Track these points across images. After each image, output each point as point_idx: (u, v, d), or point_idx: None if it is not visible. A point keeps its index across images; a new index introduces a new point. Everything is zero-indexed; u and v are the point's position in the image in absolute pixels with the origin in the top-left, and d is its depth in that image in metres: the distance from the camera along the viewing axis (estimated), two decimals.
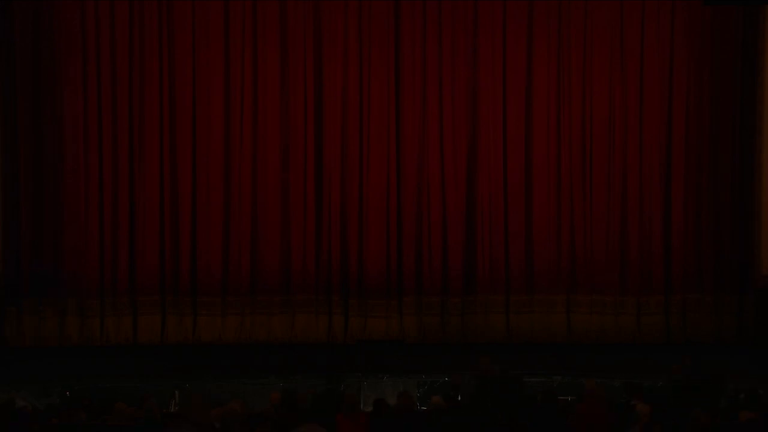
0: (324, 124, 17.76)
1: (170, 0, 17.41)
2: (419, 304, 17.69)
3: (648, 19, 17.69)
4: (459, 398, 12.47)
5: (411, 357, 16.35)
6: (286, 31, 17.64)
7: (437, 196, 17.84)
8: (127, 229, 17.45)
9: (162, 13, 17.45)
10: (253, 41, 17.64)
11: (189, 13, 17.46)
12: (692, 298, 17.78)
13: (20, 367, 15.93)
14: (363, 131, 17.75)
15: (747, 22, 17.60)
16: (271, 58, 17.71)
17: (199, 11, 17.48)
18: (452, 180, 17.84)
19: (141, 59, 17.42)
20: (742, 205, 17.76)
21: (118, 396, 12.43)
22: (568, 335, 17.65)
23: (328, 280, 17.71)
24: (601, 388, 11.61)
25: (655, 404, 11.38)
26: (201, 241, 17.56)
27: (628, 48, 17.76)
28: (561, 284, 17.68)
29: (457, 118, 17.81)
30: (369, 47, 17.71)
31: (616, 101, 17.80)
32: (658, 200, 17.83)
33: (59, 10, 17.23)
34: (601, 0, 17.72)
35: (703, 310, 17.73)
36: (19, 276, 17.35)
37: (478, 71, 17.76)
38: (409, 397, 11.52)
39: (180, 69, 17.51)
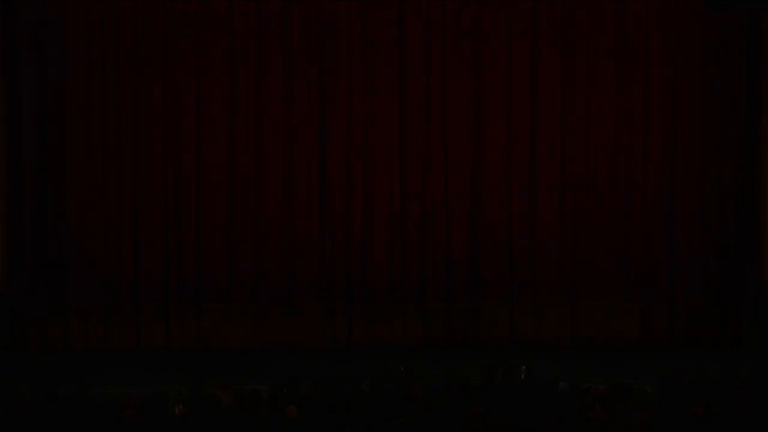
0: (328, 131, 17.91)
1: (174, 2, 17.61)
2: (423, 309, 17.79)
3: (652, 28, 17.86)
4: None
5: (414, 361, 16.38)
6: (291, 39, 17.82)
7: (440, 202, 17.95)
8: (131, 234, 17.60)
9: (166, 15, 17.59)
10: (257, 45, 17.81)
11: (193, 18, 17.64)
12: (696, 302, 17.88)
13: (21, 371, 16.01)
14: (367, 137, 17.91)
15: (750, 30, 17.75)
16: (275, 65, 17.87)
17: (203, 15, 17.64)
18: (456, 188, 17.97)
19: (145, 59, 17.59)
20: (746, 211, 17.89)
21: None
22: (572, 339, 17.75)
23: (331, 286, 17.82)
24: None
25: (655, 406, 11.46)
26: (204, 244, 17.69)
27: (633, 56, 17.93)
28: (565, 288, 17.80)
29: (460, 123, 17.95)
30: (373, 57, 17.87)
31: (621, 109, 17.94)
32: (662, 206, 17.95)
33: (63, 13, 17.39)
34: (603, 6, 17.97)
35: (707, 315, 17.82)
36: (22, 281, 17.46)
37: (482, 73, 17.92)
38: None
39: (184, 71, 17.68)
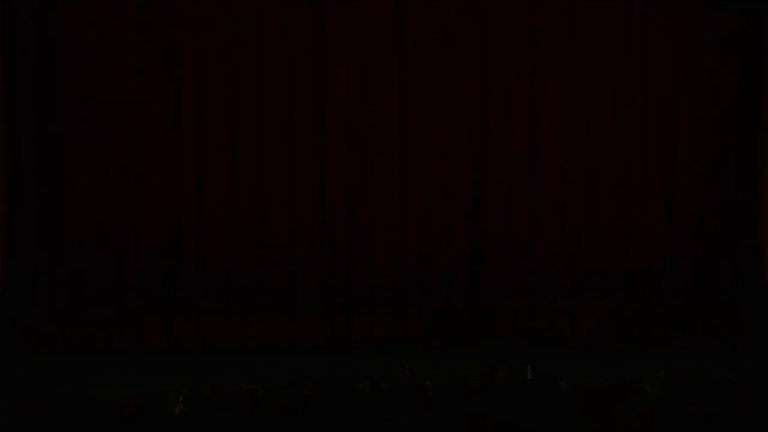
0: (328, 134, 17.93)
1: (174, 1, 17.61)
2: (423, 309, 17.79)
3: (652, 28, 17.89)
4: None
5: (414, 361, 16.39)
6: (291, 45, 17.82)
7: (440, 202, 17.95)
8: (132, 233, 17.60)
9: (168, 11, 17.58)
10: (258, 46, 17.83)
11: (195, 18, 17.63)
12: (696, 302, 17.89)
13: (21, 371, 16.00)
14: (368, 139, 17.93)
15: (750, 30, 17.77)
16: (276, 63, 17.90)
17: (205, 15, 17.64)
18: (456, 189, 17.98)
19: (146, 56, 17.53)
20: (747, 212, 17.92)
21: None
22: (572, 338, 17.75)
23: (332, 286, 17.84)
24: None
25: (655, 406, 11.46)
26: (205, 243, 17.71)
27: (633, 57, 17.91)
28: (565, 289, 17.81)
29: (462, 121, 17.96)
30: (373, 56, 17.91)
31: (622, 109, 17.99)
32: (662, 207, 17.95)
33: (63, 10, 17.39)
34: (604, 5, 17.98)
35: (707, 315, 17.83)
36: (22, 281, 17.45)
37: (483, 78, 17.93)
38: None
39: (186, 70, 17.66)
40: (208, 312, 17.73)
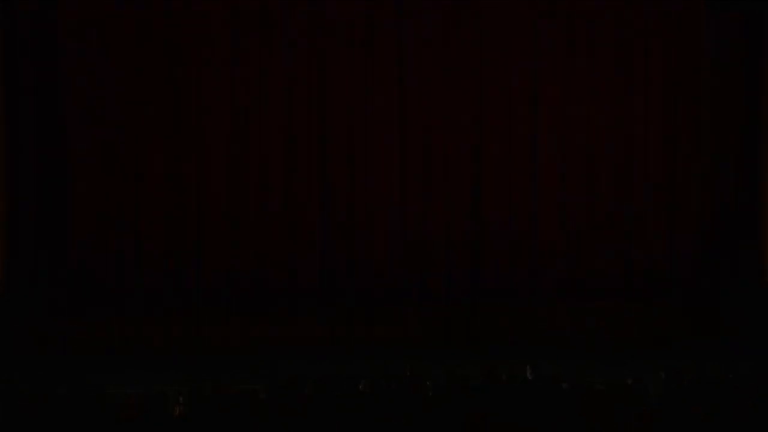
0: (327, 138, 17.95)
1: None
2: (423, 309, 17.80)
3: (652, 28, 17.91)
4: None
5: (413, 361, 16.40)
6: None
7: (440, 202, 17.95)
8: (132, 233, 17.61)
9: (168, 11, 17.58)
10: (258, 46, 17.84)
11: (195, 18, 17.63)
12: (696, 303, 17.89)
13: (21, 371, 15.99)
14: (368, 139, 17.95)
15: (750, 29, 17.78)
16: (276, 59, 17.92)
17: (205, 15, 17.64)
18: (456, 189, 17.98)
19: (146, 53, 17.59)
20: (747, 212, 17.92)
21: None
22: (572, 338, 17.76)
23: (332, 286, 17.84)
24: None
25: (655, 406, 11.47)
26: (205, 242, 17.71)
27: (633, 58, 17.92)
28: (565, 289, 17.81)
29: (462, 121, 17.98)
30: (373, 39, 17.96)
31: (622, 110, 17.97)
32: (662, 207, 17.98)
33: (63, 9, 17.38)
34: (604, 6, 18.01)
35: (707, 316, 17.84)
36: (22, 281, 17.46)
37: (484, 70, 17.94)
38: None
39: (186, 66, 17.70)
40: (208, 312, 17.72)
